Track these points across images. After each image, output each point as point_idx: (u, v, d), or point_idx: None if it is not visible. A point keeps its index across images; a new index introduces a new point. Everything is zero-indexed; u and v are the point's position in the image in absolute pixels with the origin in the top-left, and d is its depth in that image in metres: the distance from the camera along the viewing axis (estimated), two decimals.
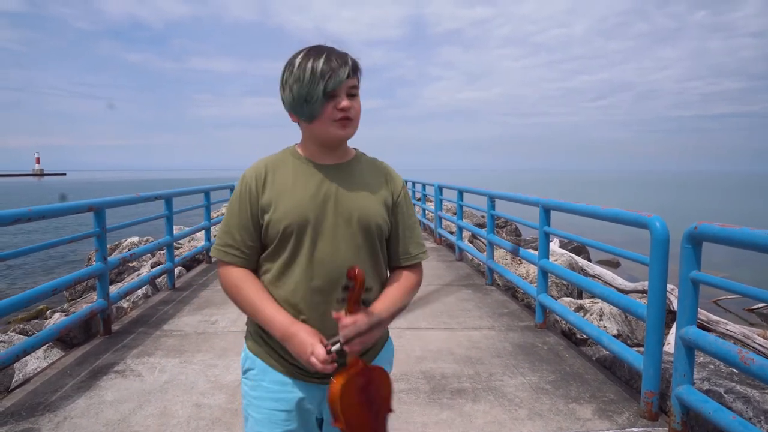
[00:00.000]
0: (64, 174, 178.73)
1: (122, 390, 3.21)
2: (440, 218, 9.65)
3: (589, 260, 9.77)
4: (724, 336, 5.57)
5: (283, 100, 1.32)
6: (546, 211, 4.51)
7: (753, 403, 2.77)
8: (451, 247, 8.86)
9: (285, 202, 1.31)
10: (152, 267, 8.00)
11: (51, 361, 3.97)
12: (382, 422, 1.25)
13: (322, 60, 1.23)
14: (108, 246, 4.73)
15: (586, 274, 8.13)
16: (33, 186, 76.40)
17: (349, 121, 1.29)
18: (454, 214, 8.72)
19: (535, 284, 4.70)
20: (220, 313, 4.90)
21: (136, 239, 10.93)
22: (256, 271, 1.39)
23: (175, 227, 6.43)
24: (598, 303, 5.17)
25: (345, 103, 1.26)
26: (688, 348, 2.58)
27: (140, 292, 5.76)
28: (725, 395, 2.87)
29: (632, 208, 3.18)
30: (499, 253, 7.14)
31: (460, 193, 7.97)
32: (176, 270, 6.42)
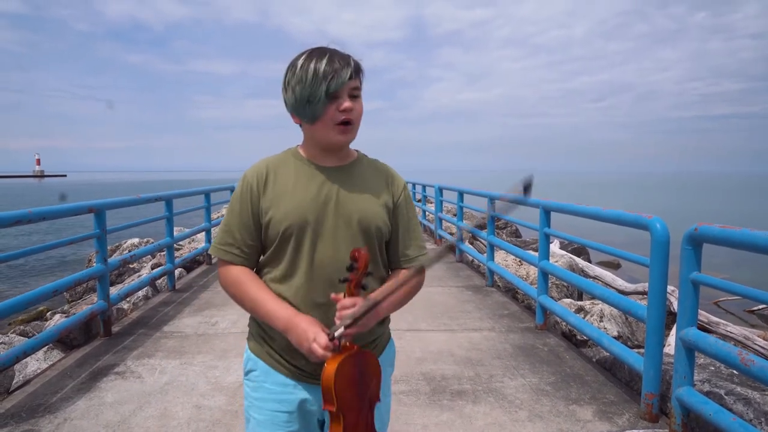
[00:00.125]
0: (65, 175, 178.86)
1: (122, 391, 3.21)
2: (440, 219, 9.65)
3: (590, 261, 9.77)
4: (725, 337, 5.56)
5: (285, 102, 1.32)
6: (546, 212, 4.51)
7: (753, 405, 2.77)
8: (451, 248, 8.85)
9: (285, 204, 1.31)
10: (152, 268, 8.00)
11: (51, 362, 3.96)
12: (372, 410, 1.25)
13: (324, 61, 1.24)
14: (108, 247, 4.74)
15: (586, 275, 8.13)
16: (33, 187, 76.45)
17: (349, 126, 1.30)
18: (455, 215, 8.72)
19: (536, 286, 4.71)
20: (221, 314, 4.90)
21: (136, 241, 10.93)
22: (256, 271, 1.39)
23: (175, 229, 6.43)
24: (598, 304, 5.17)
25: (347, 104, 1.26)
26: (689, 349, 2.58)
27: (140, 293, 5.76)
28: (726, 397, 2.87)
29: (632, 210, 3.18)
30: (500, 254, 7.13)
31: (461, 194, 7.98)
32: (176, 271, 6.42)
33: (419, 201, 12.29)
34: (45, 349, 4.17)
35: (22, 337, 4.90)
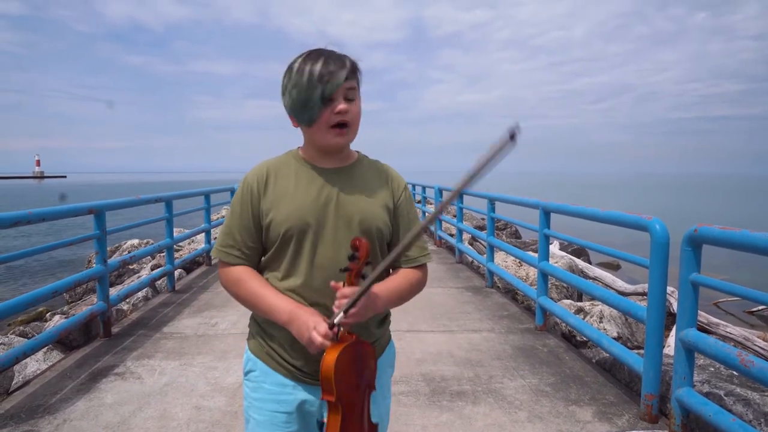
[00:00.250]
0: (65, 176, 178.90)
1: (122, 392, 3.21)
2: (440, 220, 9.65)
3: (589, 262, 9.77)
4: (725, 338, 5.56)
5: (284, 105, 1.33)
6: (546, 213, 4.51)
7: (753, 406, 2.77)
8: (451, 249, 8.86)
9: (286, 206, 1.32)
10: (152, 269, 8.00)
11: (51, 363, 3.96)
12: (367, 399, 1.25)
13: (319, 64, 1.24)
14: (108, 248, 4.74)
15: (586, 276, 8.13)
16: (33, 188, 76.45)
17: (345, 128, 1.29)
18: (454, 216, 8.73)
19: (535, 287, 4.71)
20: (221, 315, 4.90)
21: (136, 242, 10.93)
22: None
23: (175, 230, 6.43)
24: (598, 305, 5.17)
25: (342, 106, 1.26)
26: (688, 350, 2.58)
27: (140, 294, 5.76)
28: (725, 398, 2.87)
29: (632, 211, 3.19)
30: (499, 255, 7.14)
31: (460, 195, 7.97)
32: (176, 272, 6.42)
33: (419, 202, 12.30)
34: (44, 349, 4.17)
35: (21, 338, 4.90)
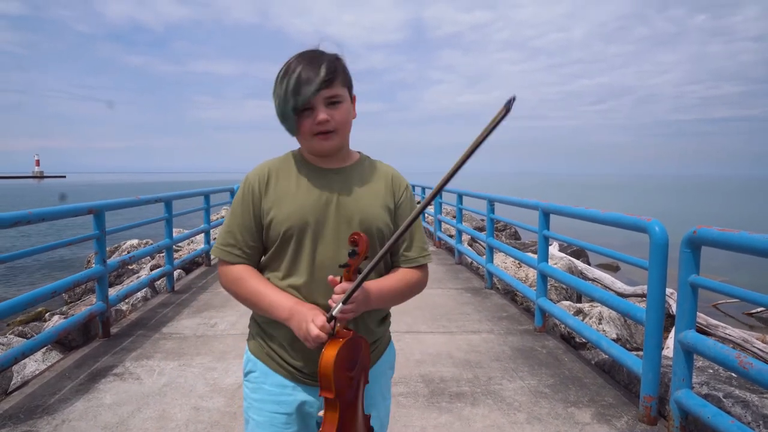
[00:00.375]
0: (64, 176, 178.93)
1: (121, 393, 3.21)
2: (440, 221, 9.65)
3: (589, 264, 9.77)
4: (724, 340, 5.56)
5: None
6: (545, 214, 4.51)
7: (752, 408, 2.77)
8: (450, 250, 8.86)
9: (286, 206, 1.32)
10: (151, 270, 8.00)
11: (49, 363, 3.96)
12: (362, 392, 1.26)
13: (294, 76, 1.23)
14: (107, 248, 4.74)
15: (585, 277, 8.13)
16: (33, 188, 76.45)
17: (329, 133, 1.29)
18: (454, 217, 8.73)
19: (535, 288, 4.71)
20: (220, 315, 4.90)
21: (135, 242, 10.93)
22: None
23: (174, 230, 6.43)
24: (597, 307, 5.17)
25: (321, 116, 1.26)
26: (687, 352, 2.58)
27: (139, 294, 5.76)
28: (724, 399, 2.87)
29: (632, 212, 3.19)
30: (499, 256, 7.14)
31: (460, 196, 7.98)
32: (175, 273, 6.42)
33: (418, 203, 12.30)
34: (43, 350, 4.17)
35: (20, 338, 4.89)
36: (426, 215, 11.36)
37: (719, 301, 8.44)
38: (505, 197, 5.94)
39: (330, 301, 1.21)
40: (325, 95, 1.26)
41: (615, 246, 4.06)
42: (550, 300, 4.62)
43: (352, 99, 1.35)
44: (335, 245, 1.31)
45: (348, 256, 1.20)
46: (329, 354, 1.15)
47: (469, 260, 7.72)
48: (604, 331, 4.83)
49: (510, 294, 6.15)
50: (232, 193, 8.63)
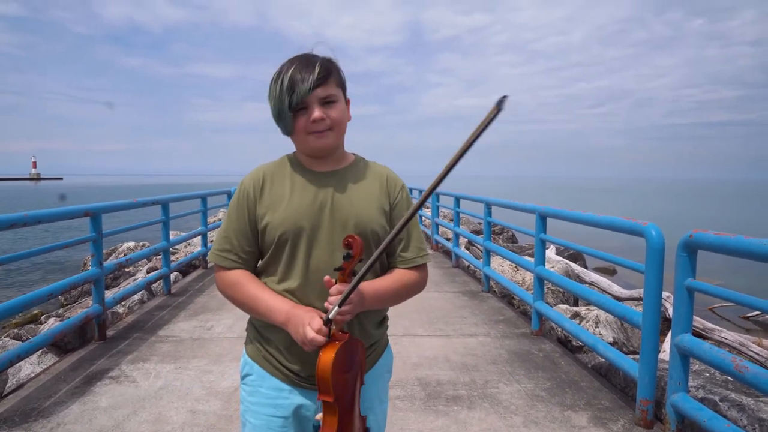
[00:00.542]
0: (61, 178, 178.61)
1: (117, 396, 3.20)
2: (437, 225, 9.66)
3: (586, 267, 9.78)
4: (720, 344, 5.57)
5: None
6: (542, 218, 4.52)
7: (748, 411, 2.78)
8: (447, 253, 8.86)
9: (281, 210, 1.32)
10: (148, 272, 7.98)
11: (45, 366, 3.95)
12: (358, 394, 1.26)
13: (289, 75, 1.24)
14: (104, 251, 4.73)
15: (582, 281, 8.14)
16: (30, 190, 76.27)
17: (324, 132, 1.30)
18: (451, 220, 8.74)
19: (532, 291, 4.71)
20: (216, 318, 4.89)
21: (132, 244, 10.91)
22: None
23: (171, 232, 6.42)
24: (594, 310, 5.18)
25: (316, 114, 1.27)
26: (683, 356, 2.58)
27: (136, 297, 5.74)
28: (720, 403, 2.87)
29: (629, 216, 3.20)
30: (496, 260, 7.14)
31: (457, 199, 7.99)
32: (172, 275, 6.40)
33: None
34: (39, 352, 4.16)
35: (16, 341, 4.88)
36: (423, 218, 11.36)
37: (715, 305, 8.46)
38: (502, 200, 5.95)
39: (326, 304, 1.21)
40: (320, 94, 1.27)
41: (612, 249, 4.06)
42: (547, 303, 4.63)
43: (347, 101, 1.36)
44: (330, 249, 1.31)
45: (343, 259, 1.21)
46: (327, 357, 1.14)
47: (466, 263, 7.72)
48: (600, 334, 4.83)
49: (507, 297, 6.15)
50: (229, 195, 8.62)
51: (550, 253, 9.71)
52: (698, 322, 5.89)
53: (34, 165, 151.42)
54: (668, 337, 4.66)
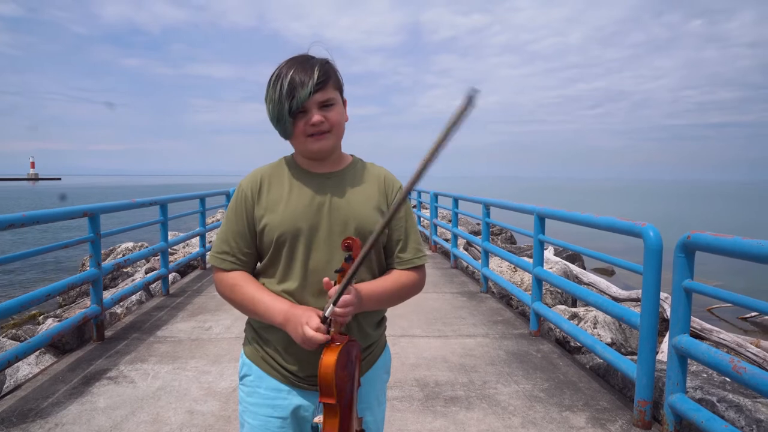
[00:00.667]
0: (59, 179, 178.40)
1: (115, 396, 3.20)
2: (435, 226, 9.66)
3: (584, 268, 9.79)
4: (718, 344, 5.58)
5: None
6: (541, 219, 4.52)
7: (745, 412, 2.78)
8: (446, 254, 8.86)
9: (279, 211, 1.32)
10: (146, 273, 7.97)
11: (43, 367, 3.94)
12: (356, 395, 1.26)
13: (287, 79, 1.24)
14: (102, 251, 4.72)
15: (580, 282, 8.14)
16: (28, 190, 76.17)
17: (323, 134, 1.30)
18: (450, 221, 8.74)
19: (530, 292, 4.71)
20: (214, 319, 4.88)
21: (130, 245, 10.89)
22: None
23: (170, 233, 6.41)
24: (592, 311, 5.18)
25: (315, 118, 1.27)
26: (681, 357, 2.59)
27: (134, 297, 5.74)
28: (718, 404, 2.88)
29: (627, 217, 3.20)
30: (494, 261, 7.15)
31: (456, 200, 7.99)
32: (171, 276, 6.40)
33: (414, 207, 12.32)
34: (37, 353, 4.15)
35: (13, 341, 4.87)
36: (422, 219, 11.36)
37: (713, 306, 8.47)
38: (501, 201, 5.95)
39: (325, 306, 1.21)
40: (319, 99, 1.27)
41: (610, 250, 4.07)
42: (545, 304, 4.63)
43: (344, 102, 1.36)
44: (328, 250, 1.32)
45: (344, 261, 1.21)
46: (329, 360, 1.14)
47: (465, 264, 7.72)
48: (598, 335, 4.83)
49: (505, 298, 6.15)
50: (228, 196, 8.62)
51: (549, 253, 9.71)
52: (696, 322, 5.89)
53: (33, 165, 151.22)
54: (666, 338, 4.67)
